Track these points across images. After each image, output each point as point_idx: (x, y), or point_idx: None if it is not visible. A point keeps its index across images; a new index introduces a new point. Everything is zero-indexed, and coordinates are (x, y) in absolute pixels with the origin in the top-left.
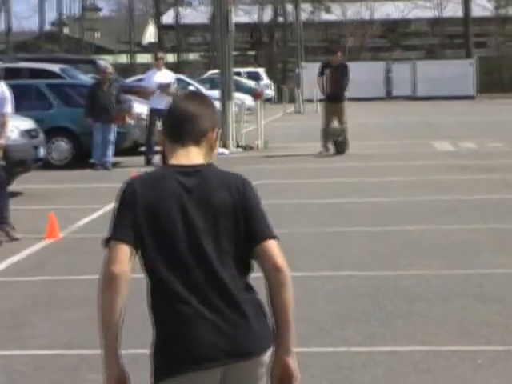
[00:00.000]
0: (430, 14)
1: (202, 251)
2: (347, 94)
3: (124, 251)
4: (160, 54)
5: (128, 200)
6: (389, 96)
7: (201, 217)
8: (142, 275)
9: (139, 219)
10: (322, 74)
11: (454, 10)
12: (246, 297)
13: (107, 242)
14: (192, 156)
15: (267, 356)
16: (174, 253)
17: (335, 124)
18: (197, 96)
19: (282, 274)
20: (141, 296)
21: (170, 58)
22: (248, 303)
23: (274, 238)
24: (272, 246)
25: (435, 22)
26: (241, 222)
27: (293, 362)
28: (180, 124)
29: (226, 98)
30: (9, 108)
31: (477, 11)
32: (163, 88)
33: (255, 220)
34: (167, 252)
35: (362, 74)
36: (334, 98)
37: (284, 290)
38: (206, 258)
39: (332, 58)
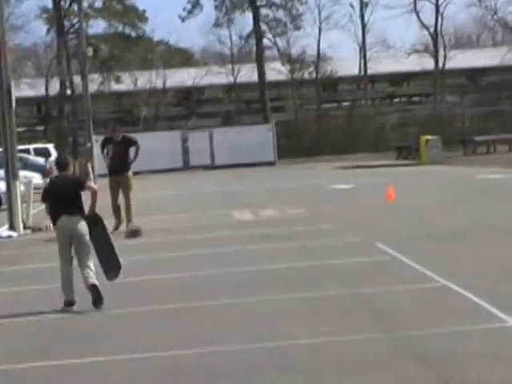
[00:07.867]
0: (224, 79)
1: None
2: (134, 166)
3: None
4: None
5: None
6: (186, 166)
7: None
8: None
9: None
10: (103, 150)
11: (248, 74)
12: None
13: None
14: None
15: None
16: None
17: (122, 201)
18: None
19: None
20: None
21: None
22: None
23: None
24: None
25: (230, 88)
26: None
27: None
28: None
29: (10, 177)
30: None
31: (272, 75)
32: None
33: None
34: None
35: (159, 145)
36: (116, 171)
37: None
38: None
39: (114, 135)
